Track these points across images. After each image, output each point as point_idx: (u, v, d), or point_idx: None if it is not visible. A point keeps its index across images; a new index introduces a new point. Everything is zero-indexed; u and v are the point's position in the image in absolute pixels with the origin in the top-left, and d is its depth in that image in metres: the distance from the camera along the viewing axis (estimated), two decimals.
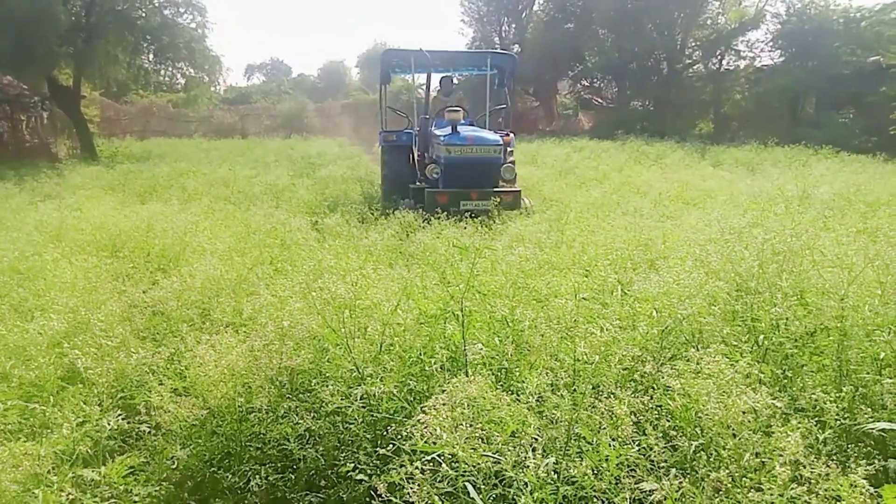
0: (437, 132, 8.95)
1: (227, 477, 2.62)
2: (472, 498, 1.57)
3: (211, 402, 2.71)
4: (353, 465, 2.44)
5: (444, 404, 1.71)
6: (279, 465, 2.68)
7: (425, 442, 1.61)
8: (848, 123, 22.18)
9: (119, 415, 2.79)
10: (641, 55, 31.16)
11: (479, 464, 1.61)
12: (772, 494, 1.68)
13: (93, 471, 2.42)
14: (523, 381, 2.23)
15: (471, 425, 1.70)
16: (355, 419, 2.58)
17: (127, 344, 3.25)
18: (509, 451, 1.74)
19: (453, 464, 1.62)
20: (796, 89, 25.58)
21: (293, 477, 2.63)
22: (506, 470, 1.72)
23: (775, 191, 7.62)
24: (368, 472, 2.37)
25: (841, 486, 1.72)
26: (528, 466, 1.66)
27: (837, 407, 2.00)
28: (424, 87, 9.62)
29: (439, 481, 1.58)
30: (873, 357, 2.55)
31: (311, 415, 2.64)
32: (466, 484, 1.55)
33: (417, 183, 9.27)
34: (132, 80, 23.63)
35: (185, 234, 6.27)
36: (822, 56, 24.74)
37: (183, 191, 11.01)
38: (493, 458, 1.64)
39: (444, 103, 10.01)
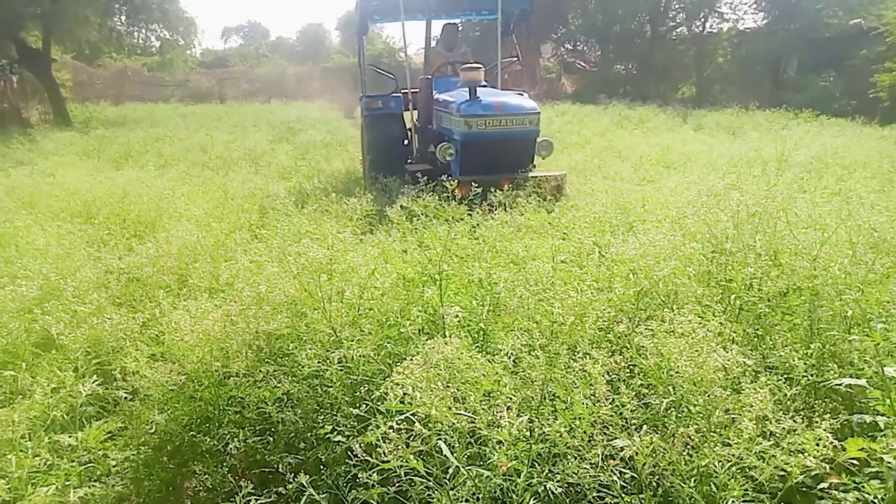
0: (447, 97, 6.74)
1: (206, 441, 2.63)
2: (446, 456, 1.58)
3: (188, 366, 2.71)
4: (331, 427, 2.45)
5: (418, 364, 1.71)
6: (258, 428, 2.69)
7: (400, 402, 1.62)
8: (828, 86, 22.25)
9: (95, 381, 2.78)
10: (625, 17, 30.81)
11: (453, 423, 1.63)
12: (739, 448, 1.72)
13: (69, 436, 2.41)
14: (500, 343, 2.25)
15: (446, 385, 1.71)
16: (333, 382, 2.59)
17: (102, 310, 3.21)
18: (483, 410, 1.76)
19: (428, 424, 1.63)
20: (778, 52, 25.56)
21: (272, 439, 2.64)
22: (480, 429, 1.74)
23: (754, 154, 7.65)
24: (346, 433, 2.39)
25: (806, 440, 1.77)
26: (502, 425, 1.68)
27: (806, 364, 2.04)
28: (424, 35, 7.35)
29: (413, 440, 1.59)
30: (842, 315, 2.60)
31: (289, 378, 2.65)
32: (439, 442, 1.56)
33: (411, 162, 7.37)
34: (104, 42, 22.97)
35: (161, 199, 6.18)
36: (804, 18, 24.66)
37: (159, 156, 10.83)
38: (467, 416, 1.65)
39: (445, 60, 8.02)
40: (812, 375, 2.22)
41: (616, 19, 31.02)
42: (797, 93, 21.06)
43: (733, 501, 1.66)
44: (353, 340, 2.58)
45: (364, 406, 2.16)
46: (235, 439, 2.55)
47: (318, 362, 2.56)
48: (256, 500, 2.17)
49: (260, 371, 2.74)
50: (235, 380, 2.73)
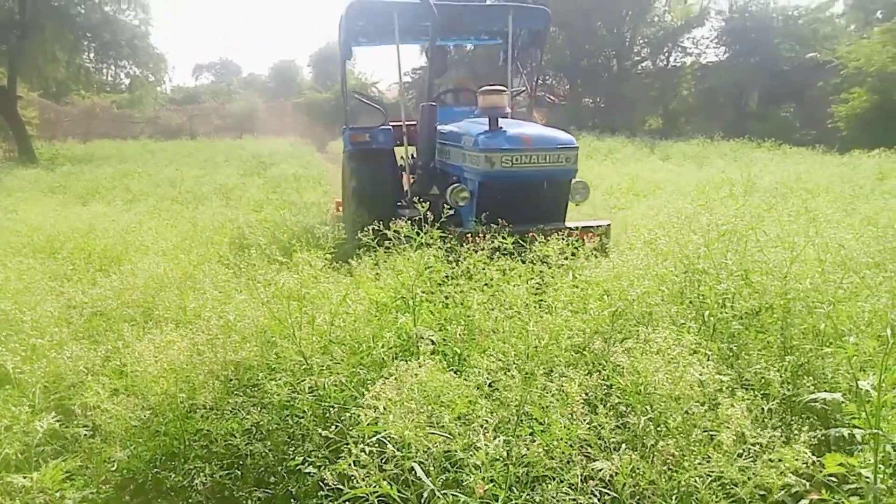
0: (455, 129, 5.73)
1: (171, 477, 2.52)
2: (420, 479, 1.52)
3: (151, 399, 2.60)
4: (302, 458, 2.37)
5: (391, 386, 1.66)
6: (226, 462, 2.58)
7: (369, 425, 1.56)
8: (789, 117, 23.03)
9: (53, 417, 2.65)
10: (592, 52, 31.68)
11: (428, 446, 1.57)
12: (719, 464, 1.68)
13: (24, 477, 2.29)
14: (475, 366, 2.20)
15: (420, 407, 1.65)
16: (304, 412, 2.51)
17: (62, 344, 3.09)
18: (459, 432, 1.70)
19: (401, 448, 1.57)
20: (740, 84, 26.43)
21: (240, 473, 2.54)
22: (455, 451, 1.68)
23: (722, 178, 7.81)
24: (318, 464, 2.31)
25: (785, 455, 1.74)
26: (479, 447, 1.63)
27: (781, 377, 2.03)
28: (427, 55, 6.32)
29: (386, 464, 1.53)
30: (815, 331, 2.61)
31: (259, 409, 2.56)
32: (414, 465, 1.50)
33: (401, 206, 6.28)
34: (72, 79, 22.78)
35: (127, 233, 6.05)
36: (763, 52, 25.62)
37: (127, 192, 10.66)
38: (443, 435, 1.59)
39: (430, 94, 6.41)
40: (788, 391, 2.21)
41: (583, 54, 31.86)
42: (759, 123, 21.71)
43: None
44: (324, 367, 2.51)
45: (335, 429, 2.08)
46: (202, 474, 2.44)
47: (289, 391, 2.48)
48: None
49: (228, 402, 2.65)
50: (202, 412, 2.63)
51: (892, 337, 1.93)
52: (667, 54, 31.46)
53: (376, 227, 3.35)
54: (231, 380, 2.75)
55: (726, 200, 3.21)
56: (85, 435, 2.64)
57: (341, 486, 1.79)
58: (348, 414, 2.33)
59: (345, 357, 2.57)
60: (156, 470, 2.60)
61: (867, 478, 1.98)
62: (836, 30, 26.48)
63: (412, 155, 6.60)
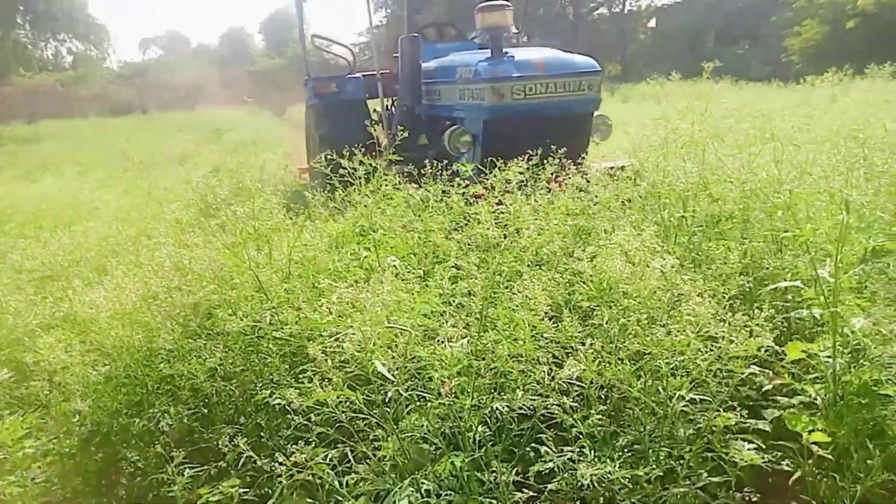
0: (448, 62, 4.88)
1: (136, 423, 2.45)
2: (383, 374, 1.48)
3: (109, 348, 2.51)
4: (269, 391, 2.32)
5: (352, 293, 1.60)
6: (192, 403, 2.52)
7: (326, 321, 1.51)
8: (745, 55, 23.17)
9: (7, 374, 2.56)
10: (548, 1, 31.29)
11: (390, 346, 1.53)
12: (684, 355, 1.68)
13: None
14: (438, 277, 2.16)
15: (381, 311, 1.61)
16: (268, 347, 2.45)
17: (8, 306, 2.96)
18: (422, 334, 1.67)
19: (362, 350, 1.53)
20: (695, 26, 26.43)
21: (208, 412, 2.49)
22: (419, 356, 1.65)
23: (682, 107, 7.80)
24: (286, 395, 2.26)
25: (748, 346, 1.74)
26: (443, 347, 1.59)
27: (741, 264, 2.03)
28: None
29: (346, 364, 1.49)
30: (774, 234, 2.62)
31: (222, 348, 2.49)
32: (376, 362, 1.46)
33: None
34: (10, 57, 21.70)
35: (78, 203, 5.84)
36: None
37: (77, 165, 10.30)
38: (404, 329, 1.55)
39: (410, 27, 5.47)
40: (749, 284, 2.22)
41: (540, 3, 31.43)
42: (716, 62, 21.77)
43: (681, 397, 1.63)
44: (284, 300, 2.45)
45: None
46: (167, 415, 2.38)
47: (251, 327, 2.42)
48: (192, 469, 2.03)
49: (188, 345, 2.57)
50: (162, 356, 2.56)
51: (846, 216, 1.94)
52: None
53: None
54: (189, 322, 2.67)
55: (684, 113, 3.18)
56: (42, 390, 2.55)
57: (311, 416, 1.75)
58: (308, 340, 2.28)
59: (306, 288, 2.51)
60: (120, 419, 2.54)
61: (826, 358, 2.02)
62: None
63: (388, 106, 5.77)
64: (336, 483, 1.82)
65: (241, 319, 2.34)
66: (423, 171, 3.06)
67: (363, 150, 2.54)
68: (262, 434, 2.31)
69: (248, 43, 56.91)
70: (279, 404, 2.25)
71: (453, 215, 2.67)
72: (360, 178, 2.52)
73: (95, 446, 2.58)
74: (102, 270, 3.72)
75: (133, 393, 2.59)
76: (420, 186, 2.99)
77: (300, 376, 2.31)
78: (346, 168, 2.59)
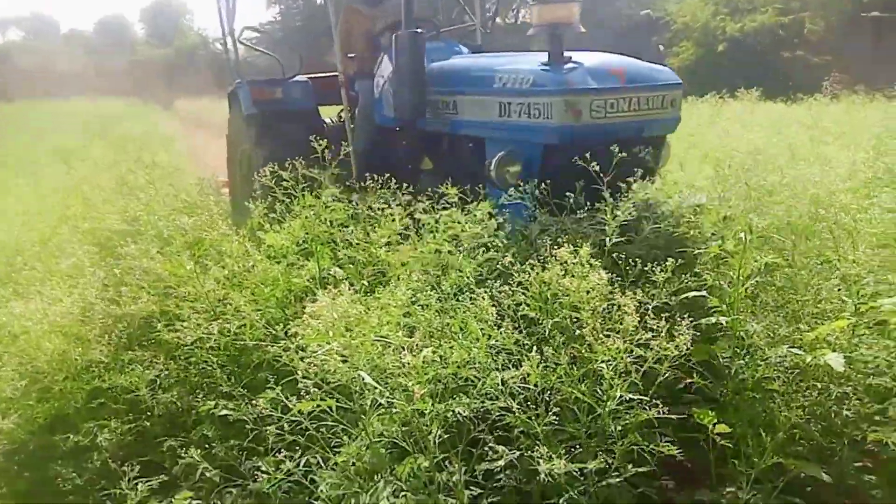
0: (475, 63, 4.11)
1: (68, 438, 2.38)
2: (366, 382, 1.59)
3: (40, 361, 2.42)
4: (213, 402, 2.34)
5: (323, 308, 1.70)
6: (131, 416, 2.48)
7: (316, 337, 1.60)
8: None
9: None
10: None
11: (369, 357, 1.65)
12: (618, 354, 1.91)
13: None
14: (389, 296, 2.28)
15: (351, 326, 1.71)
16: (211, 359, 2.46)
17: None
18: (389, 345, 1.79)
19: (344, 361, 1.63)
20: (587, 43, 27.90)
21: (147, 425, 2.46)
22: (387, 365, 1.76)
23: None
24: (232, 406, 2.29)
25: (667, 347, 2.00)
26: (413, 354, 1.72)
27: (664, 276, 2.30)
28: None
29: (331, 375, 1.59)
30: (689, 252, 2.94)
31: (163, 359, 2.47)
32: (361, 373, 1.57)
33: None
34: None
35: None
36: (606, 12, 27.18)
37: None
38: (385, 340, 1.66)
39: (367, 23, 4.78)
40: (672, 289, 2.47)
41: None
42: None
43: (620, 395, 1.86)
44: (229, 312, 2.47)
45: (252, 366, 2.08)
46: (105, 430, 2.34)
47: (195, 338, 2.41)
48: (143, 483, 2.02)
49: (125, 356, 2.52)
50: (97, 368, 2.49)
51: (747, 236, 2.27)
52: (515, 12, 32.34)
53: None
54: (127, 333, 2.62)
55: None
56: None
57: (272, 412, 1.82)
58: (262, 354, 2.33)
59: (253, 299, 2.54)
60: (48, 434, 2.45)
61: (725, 358, 2.35)
62: None
63: (354, 116, 4.62)
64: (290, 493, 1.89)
65: (187, 333, 2.33)
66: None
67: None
68: (211, 445, 2.32)
69: (127, 31, 53.53)
70: (227, 416, 2.29)
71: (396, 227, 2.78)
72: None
73: (18, 465, 2.47)
74: (5, 280, 3.51)
75: (63, 406, 2.50)
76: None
77: (249, 382, 2.35)
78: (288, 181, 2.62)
